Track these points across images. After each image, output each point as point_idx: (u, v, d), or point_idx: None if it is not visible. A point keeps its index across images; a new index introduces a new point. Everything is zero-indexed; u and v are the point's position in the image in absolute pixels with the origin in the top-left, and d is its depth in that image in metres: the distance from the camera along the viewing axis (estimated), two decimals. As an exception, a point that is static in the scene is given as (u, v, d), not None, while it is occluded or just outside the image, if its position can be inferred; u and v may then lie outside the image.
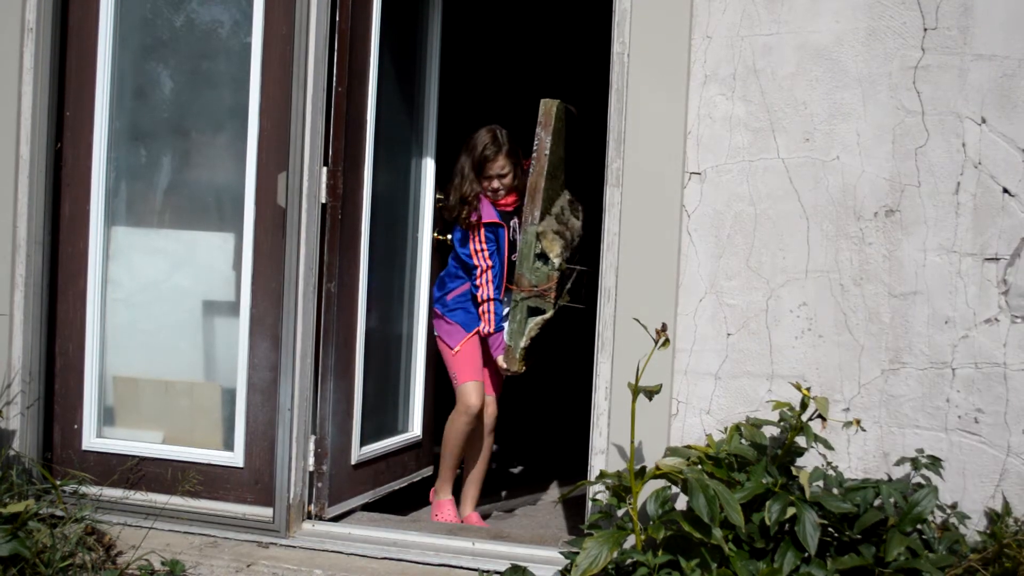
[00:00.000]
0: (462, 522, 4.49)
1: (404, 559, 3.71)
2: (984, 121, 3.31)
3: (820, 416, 3.19)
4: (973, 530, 3.28)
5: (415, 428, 4.67)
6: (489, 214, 4.36)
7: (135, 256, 4.14)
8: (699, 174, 3.51)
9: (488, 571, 3.56)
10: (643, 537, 3.10)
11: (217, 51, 4.04)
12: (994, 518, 3.29)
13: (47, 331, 4.10)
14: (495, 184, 4.33)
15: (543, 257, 4.13)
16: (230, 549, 3.76)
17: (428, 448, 4.82)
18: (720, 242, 3.49)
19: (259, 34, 3.87)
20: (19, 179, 4.01)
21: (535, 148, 4.15)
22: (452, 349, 4.37)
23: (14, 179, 4.01)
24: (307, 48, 3.79)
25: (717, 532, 2.93)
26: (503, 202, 4.38)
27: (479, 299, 4.34)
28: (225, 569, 3.61)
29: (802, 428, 3.19)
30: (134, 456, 4.04)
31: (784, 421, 3.27)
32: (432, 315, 4.52)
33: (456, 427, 4.40)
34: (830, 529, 3.15)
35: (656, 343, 3.13)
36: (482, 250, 4.33)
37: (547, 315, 4.17)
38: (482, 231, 4.33)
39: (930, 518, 3.18)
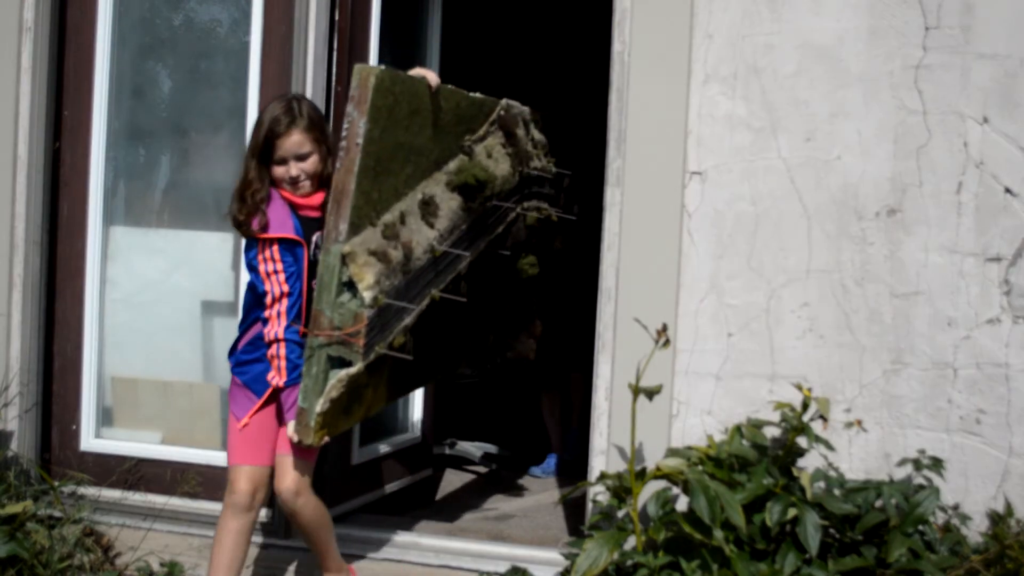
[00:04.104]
0: None
1: (404, 560, 3.71)
2: (986, 120, 3.30)
3: (821, 417, 3.18)
4: (975, 531, 3.27)
5: (415, 429, 4.66)
6: (282, 224, 3.14)
7: (133, 256, 4.13)
8: (700, 174, 3.50)
9: (488, 572, 3.55)
10: (644, 538, 3.09)
11: (216, 50, 4.03)
12: (996, 519, 3.28)
13: (45, 331, 4.09)
14: (292, 171, 3.13)
15: (351, 287, 3.05)
16: (229, 550, 3.74)
17: (428, 449, 4.81)
18: (721, 242, 3.48)
19: (258, 33, 3.86)
20: (17, 179, 3.99)
21: (344, 133, 3.04)
22: (239, 421, 3.24)
23: (12, 179, 3.99)
24: (306, 47, 3.78)
25: (718, 533, 2.93)
26: (308, 202, 3.20)
27: (267, 338, 3.16)
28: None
29: (803, 429, 3.18)
30: (133, 457, 4.03)
31: (785, 422, 3.26)
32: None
33: (220, 525, 3.24)
34: (831, 530, 3.14)
35: (656, 343, 3.12)
36: (276, 272, 3.12)
37: (355, 370, 3.05)
38: (275, 245, 3.13)
39: (932, 519, 3.17)
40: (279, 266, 3.12)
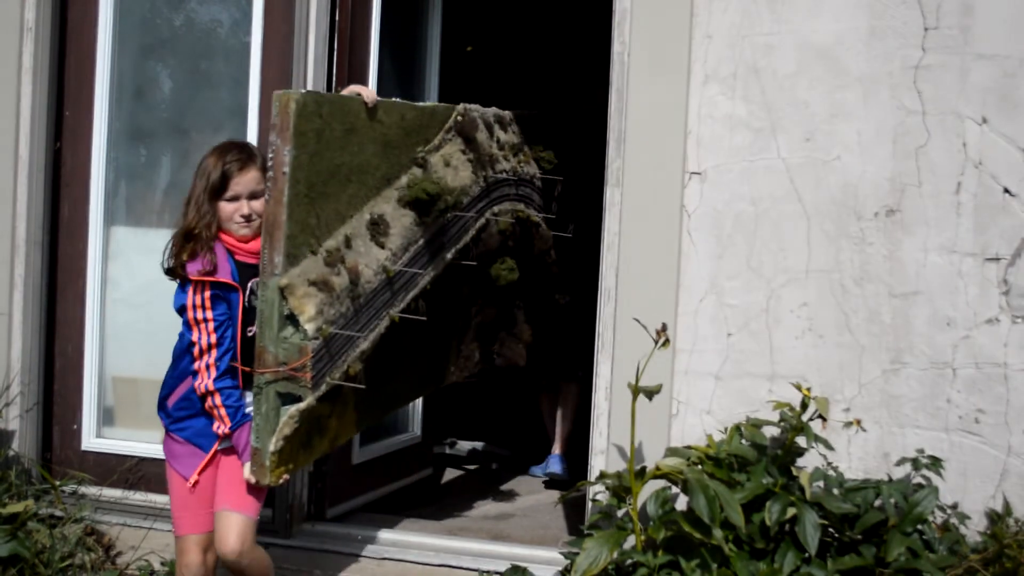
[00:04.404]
0: None
1: (404, 559, 3.71)
2: (985, 121, 3.30)
3: (820, 416, 3.19)
4: (974, 530, 3.28)
5: (415, 428, 4.66)
6: (221, 268, 2.99)
7: (134, 256, 4.13)
8: (699, 174, 3.50)
9: (488, 571, 3.56)
10: (643, 537, 3.10)
11: (216, 51, 4.03)
12: (995, 518, 3.28)
13: (46, 331, 4.09)
14: (244, 209, 3.00)
15: (294, 321, 2.93)
16: (230, 549, 3.75)
17: (428, 448, 4.82)
18: (721, 242, 3.49)
19: (259, 33, 3.87)
20: (18, 179, 4.00)
21: (270, 163, 2.90)
22: (187, 480, 3.06)
23: (13, 179, 4.00)
24: (307, 47, 3.78)
25: (717, 532, 2.93)
26: (248, 247, 3.03)
27: (198, 391, 2.99)
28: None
29: (802, 428, 3.18)
30: (133, 456, 4.03)
31: (784, 421, 3.27)
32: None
33: None
34: (830, 529, 3.15)
35: (656, 343, 3.12)
36: (205, 320, 2.96)
37: (304, 404, 2.94)
38: (207, 291, 2.97)
39: (931, 518, 3.18)
40: (208, 314, 2.97)
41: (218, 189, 3.00)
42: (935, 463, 3.23)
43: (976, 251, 3.32)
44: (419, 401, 4.65)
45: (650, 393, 3.16)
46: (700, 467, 3.12)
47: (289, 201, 2.89)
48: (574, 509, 4.32)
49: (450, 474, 5.18)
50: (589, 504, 3.46)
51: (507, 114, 4.01)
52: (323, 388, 2.99)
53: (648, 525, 3.12)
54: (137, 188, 4.14)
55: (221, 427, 3.01)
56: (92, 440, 4.10)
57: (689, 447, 3.28)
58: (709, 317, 3.50)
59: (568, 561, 3.22)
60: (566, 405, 4.98)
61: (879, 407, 3.39)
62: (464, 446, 5.52)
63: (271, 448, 2.90)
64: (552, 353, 4.83)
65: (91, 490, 3.94)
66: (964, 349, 3.33)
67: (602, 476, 3.31)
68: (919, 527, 3.11)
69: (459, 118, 3.62)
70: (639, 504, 3.15)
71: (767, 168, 3.45)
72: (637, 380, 3.14)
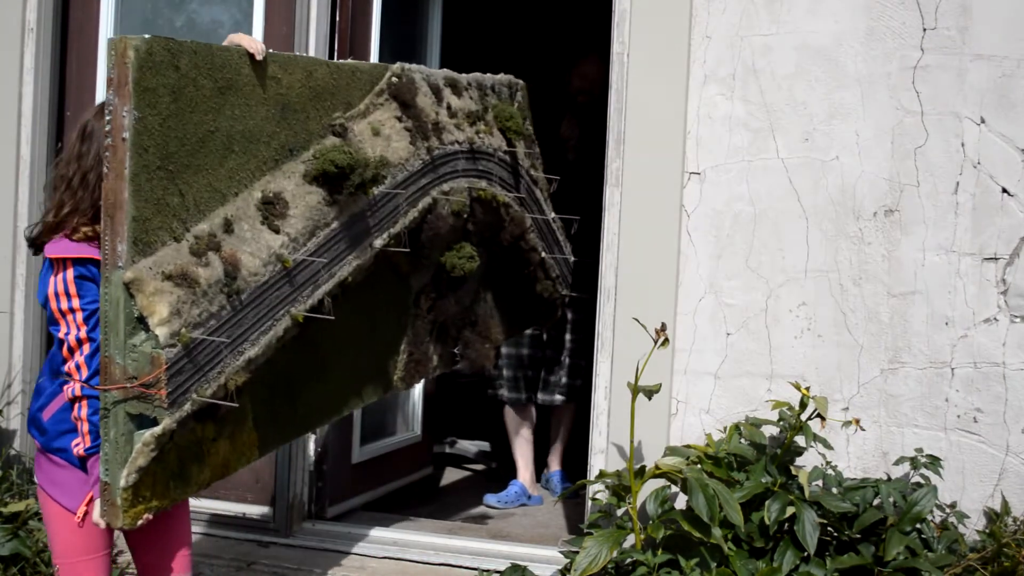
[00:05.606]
0: None
1: (404, 558, 3.72)
2: (983, 121, 3.31)
3: (819, 415, 3.19)
4: (972, 529, 3.29)
5: (415, 427, 4.67)
6: (81, 244, 2.43)
7: (135, 256, 4.14)
8: (698, 174, 3.51)
9: (488, 570, 3.57)
10: (642, 536, 3.11)
11: (217, 51, 4.04)
12: (993, 517, 3.29)
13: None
14: None
15: (145, 325, 2.36)
16: (230, 548, 3.76)
17: (428, 447, 4.83)
18: (719, 242, 3.50)
19: (259, 34, 3.87)
20: (20, 179, 4.01)
21: (108, 128, 2.33)
22: (74, 514, 2.49)
23: (15, 179, 4.01)
24: (307, 48, 3.79)
25: (716, 531, 2.94)
26: None
27: (68, 396, 2.44)
28: (225, 568, 3.61)
29: (801, 428, 3.19)
30: (135, 455, 4.04)
31: (783, 421, 3.28)
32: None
33: None
34: (829, 528, 3.16)
35: (655, 343, 3.13)
36: (72, 310, 2.41)
37: (160, 429, 2.38)
38: (70, 271, 2.42)
39: (929, 517, 3.19)
40: (75, 302, 2.41)
41: None
42: (933, 462, 3.24)
43: (974, 251, 3.33)
44: (419, 400, 4.65)
45: (649, 392, 3.17)
46: (699, 466, 3.12)
47: (134, 175, 2.32)
48: (573, 508, 4.33)
49: (450, 473, 5.19)
50: (589, 503, 3.47)
51: (467, 77, 3.49)
52: (187, 407, 2.43)
53: (647, 524, 3.13)
54: (138, 188, 4.15)
55: (79, 445, 2.44)
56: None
57: (688, 446, 3.29)
58: (708, 317, 3.51)
59: (568, 560, 3.23)
60: (560, 424, 4.79)
61: (877, 406, 3.41)
62: (464, 445, 5.53)
63: (122, 483, 2.34)
64: (535, 363, 4.73)
65: (92, 489, 3.95)
66: (962, 348, 3.34)
67: (601, 475, 3.32)
68: (918, 526, 3.12)
69: (394, 79, 3.12)
70: (638, 503, 3.16)
71: (766, 168, 3.46)
72: (636, 379, 3.15)
